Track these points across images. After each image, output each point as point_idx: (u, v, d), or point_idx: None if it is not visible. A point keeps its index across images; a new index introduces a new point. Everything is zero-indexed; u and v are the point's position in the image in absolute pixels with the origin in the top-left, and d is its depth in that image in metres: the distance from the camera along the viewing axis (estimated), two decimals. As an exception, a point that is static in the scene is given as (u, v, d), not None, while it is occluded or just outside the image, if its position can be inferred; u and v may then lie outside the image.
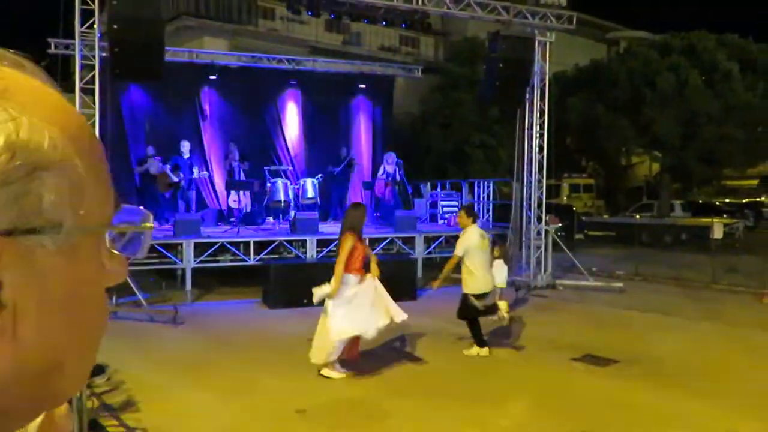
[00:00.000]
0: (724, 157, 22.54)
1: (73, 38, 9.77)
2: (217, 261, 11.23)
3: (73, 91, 9.71)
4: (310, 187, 13.71)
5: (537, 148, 12.83)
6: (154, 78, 10.79)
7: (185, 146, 13.32)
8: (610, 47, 34.94)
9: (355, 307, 6.31)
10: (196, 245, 10.86)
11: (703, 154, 22.21)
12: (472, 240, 7.19)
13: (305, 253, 11.72)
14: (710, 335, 8.61)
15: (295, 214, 12.60)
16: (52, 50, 13.33)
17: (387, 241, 12.43)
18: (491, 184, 15.15)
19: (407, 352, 7.55)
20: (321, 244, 11.71)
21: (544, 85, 12.86)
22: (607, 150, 24.99)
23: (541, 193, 12.91)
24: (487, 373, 6.85)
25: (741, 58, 21.18)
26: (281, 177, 13.72)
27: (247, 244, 11.39)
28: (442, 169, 19.98)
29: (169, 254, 10.54)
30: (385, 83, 17.93)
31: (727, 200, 29.75)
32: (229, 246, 11.23)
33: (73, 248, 0.44)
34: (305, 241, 11.75)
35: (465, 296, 7.25)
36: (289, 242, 11.77)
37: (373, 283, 6.46)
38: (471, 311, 7.27)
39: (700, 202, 28.13)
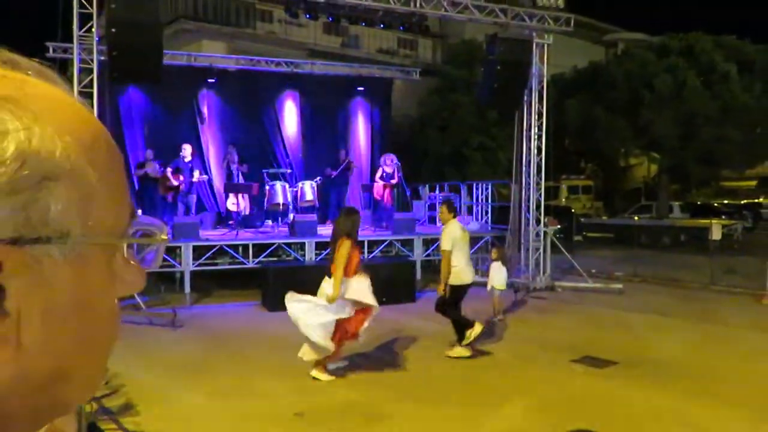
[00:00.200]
0: (722, 158, 22.55)
1: (71, 42, 9.79)
2: (216, 264, 11.23)
3: (71, 94, 9.69)
4: (309, 189, 13.71)
5: (535, 150, 12.85)
6: (152, 81, 10.81)
7: (187, 150, 13.31)
8: (607, 49, 34.96)
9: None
10: (194, 248, 10.86)
11: (702, 156, 22.23)
12: (455, 233, 7.31)
13: (304, 255, 11.73)
14: (709, 336, 8.61)
15: (293, 216, 12.60)
16: (50, 54, 13.35)
17: (385, 243, 12.43)
18: (489, 186, 15.16)
19: (405, 354, 7.54)
20: (320, 246, 11.70)
21: (542, 87, 12.88)
22: (606, 152, 25.00)
23: (540, 194, 12.92)
24: (485, 375, 6.85)
25: (738, 60, 21.21)
26: (280, 180, 13.72)
27: (245, 246, 11.39)
28: (440, 172, 19.97)
29: (167, 257, 10.52)
30: (383, 86, 17.94)
31: (725, 201, 29.76)
32: (227, 249, 11.23)
33: (82, 258, 0.44)
34: (304, 243, 11.76)
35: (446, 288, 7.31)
36: (288, 245, 11.77)
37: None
38: (447, 304, 7.35)
39: (699, 203, 28.15)
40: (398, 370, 6.97)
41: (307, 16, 13.24)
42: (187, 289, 10.76)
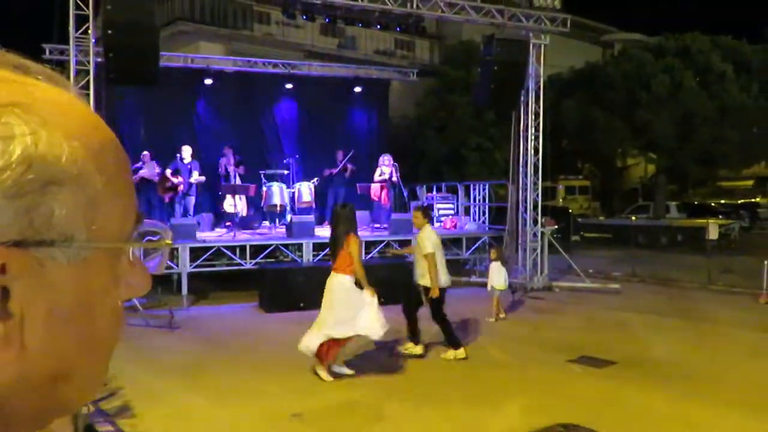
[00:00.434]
0: (719, 158, 22.62)
1: (68, 44, 9.78)
2: (213, 265, 11.22)
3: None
4: (306, 190, 13.71)
5: (532, 151, 12.86)
6: (149, 83, 10.77)
7: (186, 151, 13.25)
8: (604, 50, 35.00)
9: (345, 308, 6.40)
10: (192, 249, 10.85)
11: (699, 156, 22.29)
12: (434, 238, 7.40)
13: (301, 256, 11.72)
14: (707, 336, 8.62)
15: (291, 217, 12.59)
16: (47, 56, 13.34)
17: (383, 244, 12.43)
18: (487, 187, 15.18)
19: (404, 354, 7.54)
20: (317, 247, 11.70)
21: (539, 87, 12.89)
22: (603, 152, 25.05)
23: (537, 195, 12.93)
24: (483, 375, 6.85)
25: (735, 60, 21.28)
26: (277, 181, 13.72)
27: (243, 248, 11.39)
28: (437, 172, 19.97)
29: (165, 259, 10.53)
30: (380, 87, 17.95)
31: (722, 201, 29.84)
32: (225, 250, 11.23)
33: (85, 261, 0.44)
34: (301, 244, 11.75)
35: (425, 289, 7.33)
36: (286, 246, 11.77)
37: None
38: (414, 301, 7.48)
39: (696, 203, 28.23)
40: (398, 370, 6.96)
41: (304, 17, 13.25)
42: (184, 290, 10.75)
